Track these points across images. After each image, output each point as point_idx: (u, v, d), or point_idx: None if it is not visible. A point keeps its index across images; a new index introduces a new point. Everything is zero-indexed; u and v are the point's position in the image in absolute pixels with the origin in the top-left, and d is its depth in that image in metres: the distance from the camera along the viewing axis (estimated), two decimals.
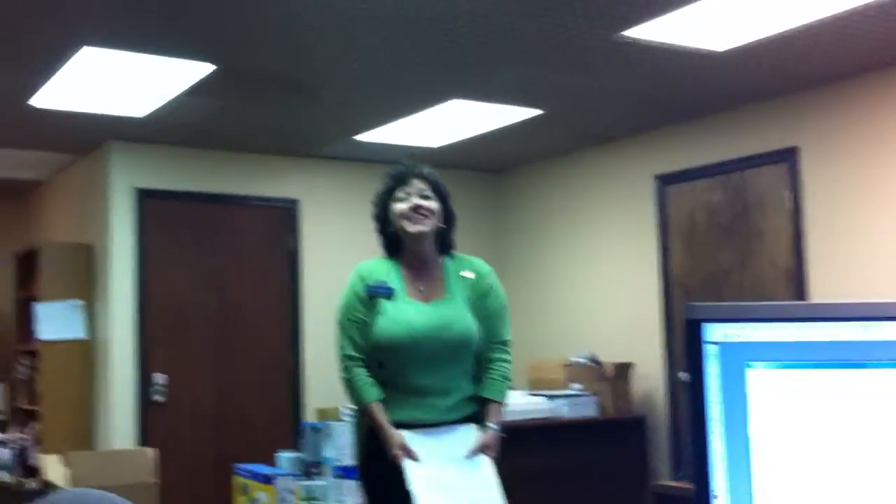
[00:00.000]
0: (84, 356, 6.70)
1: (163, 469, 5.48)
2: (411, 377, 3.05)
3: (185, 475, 6.37)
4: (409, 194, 3.15)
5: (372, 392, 3.06)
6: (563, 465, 5.91)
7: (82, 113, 5.76)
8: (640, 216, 6.58)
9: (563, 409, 6.03)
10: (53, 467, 5.21)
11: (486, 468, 3.02)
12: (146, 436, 6.37)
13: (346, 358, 3.11)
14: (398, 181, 3.19)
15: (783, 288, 5.64)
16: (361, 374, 3.07)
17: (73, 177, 7.33)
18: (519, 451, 5.73)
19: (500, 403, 3.14)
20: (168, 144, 6.66)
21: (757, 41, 4.61)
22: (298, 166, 7.17)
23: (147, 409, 6.46)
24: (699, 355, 1.35)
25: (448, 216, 3.23)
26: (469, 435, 3.05)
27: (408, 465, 2.93)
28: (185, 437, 6.55)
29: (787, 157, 5.65)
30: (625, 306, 6.68)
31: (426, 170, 3.22)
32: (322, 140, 6.69)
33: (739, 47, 4.70)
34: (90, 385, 6.72)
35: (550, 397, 6.08)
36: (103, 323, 6.57)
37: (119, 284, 6.47)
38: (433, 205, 3.15)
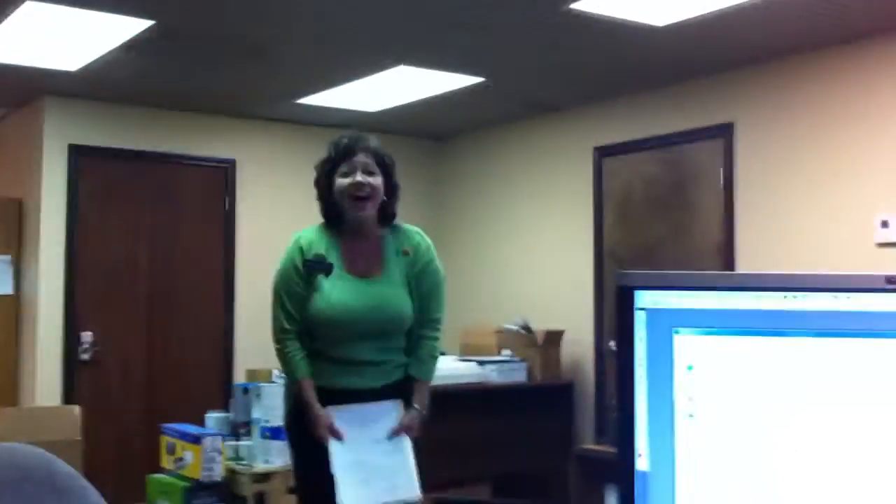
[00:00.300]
0: (11, 312, 6.57)
1: (90, 428, 5.43)
2: (345, 351, 3.11)
3: (112, 434, 6.32)
4: (353, 169, 3.12)
5: (303, 369, 3.10)
6: (492, 429, 6.00)
7: (16, 66, 5.61)
8: (578, 187, 6.65)
9: (492, 375, 6.10)
10: None
11: (406, 450, 3.10)
12: (73, 394, 6.29)
13: (280, 330, 3.14)
14: (343, 154, 3.15)
15: (712, 261, 5.75)
16: (294, 349, 3.11)
17: (5, 131, 7.14)
18: (449, 416, 5.79)
19: (426, 382, 3.21)
20: (103, 101, 6.52)
21: (697, 17, 4.66)
22: (236, 126, 7.08)
23: (74, 367, 6.37)
24: (629, 320, 1.38)
25: (391, 188, 3.21)
26: (393, 414, 3.11)
27: (332, 447, 3.01)
28: (113, 396, 6.48)
29: (723, 133, 5.75)
30: (559, 275, 6.75)
31: (372, 143, 3.19)
32: (263, 102, 6.61)
33: (680, 22, 4.75)
34: (16, 342, 6.59)
35: (481, 363, 6.15)
36: (32, 279, 6.44)
37: (49, 241, 6.35)
38: (377, 180, 3.13)
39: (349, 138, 3.18)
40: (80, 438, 5.15)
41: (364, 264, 3.15)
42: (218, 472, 4.64)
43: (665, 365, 1.38)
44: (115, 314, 6.55)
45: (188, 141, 6.90)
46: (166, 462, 4.89)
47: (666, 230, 6.06)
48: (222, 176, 7.01)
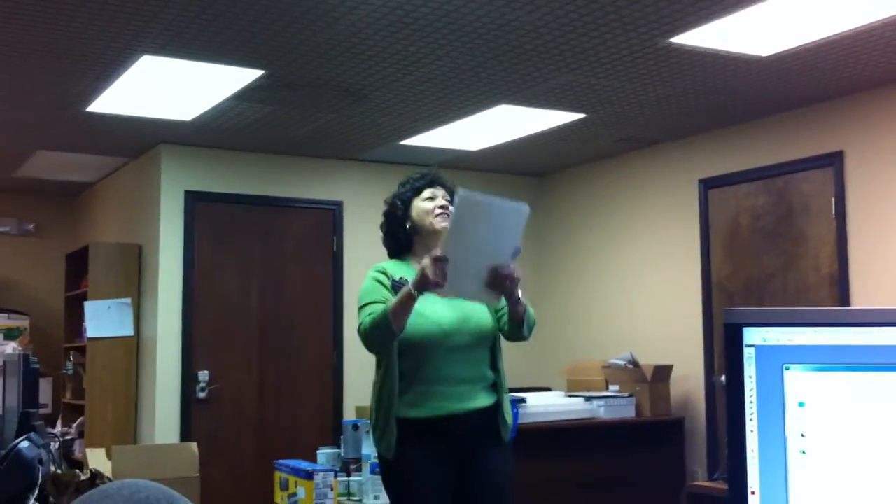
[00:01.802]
0: (130, 353, 6.85)
1: (205, 464, 5.59)
2: (438, 367, 3.17)
3: (226, 470, 6.48)
4: (436, 195, 3.39)
5: (384, 308, 3.05)
6: (600, 466, 5.93)
7: (135, 117, 5.89)
8: (682, 220, 6.58)
9: (600, 411, 6.05)
10: (97, 461, 5.32)
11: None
12: (189, 431, 6.50)
13: (366, 324, 3.10)
14: (429, 183, 3.42)
15: (826, 293, 5.61)
16: (375, 312, 3.08)
17: (125, 179, 7.48)
18: (556, 453, 5.77)
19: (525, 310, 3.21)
20: (216, 148, 6.79)
21: (801, 46, 4.60)
22: (342, 169, 7.26)
23: (191, 405, 6.58)
24: (738, 358, 1.39)
25: None
26: (519, 224, 3.11)
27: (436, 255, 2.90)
28: (227, 433, 6.66)
29: (832, 161, 5.62)
30: (665, 309, 6.67)
31: (447, 183, 3.50)
32: (367, 144, 6.77)
33: (783, 52, 4.69)
34: (135, 381, 6.86)
35: (588, 399, 6.10)
36: (150, 321, 6.70)
37: (166, 283, 6.60)
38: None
39: (431, 171, 3.50)
40: (197, 475, 5.32)
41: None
42: None
43: (776, 402, 1.37)
44: (229, 353, 6.76)
45: (297, 184, 7.10)
46: (280, 498, 5.00)
47: (776, 262, 5.94)
48: (330, 217, 7.19)
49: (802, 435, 1.36)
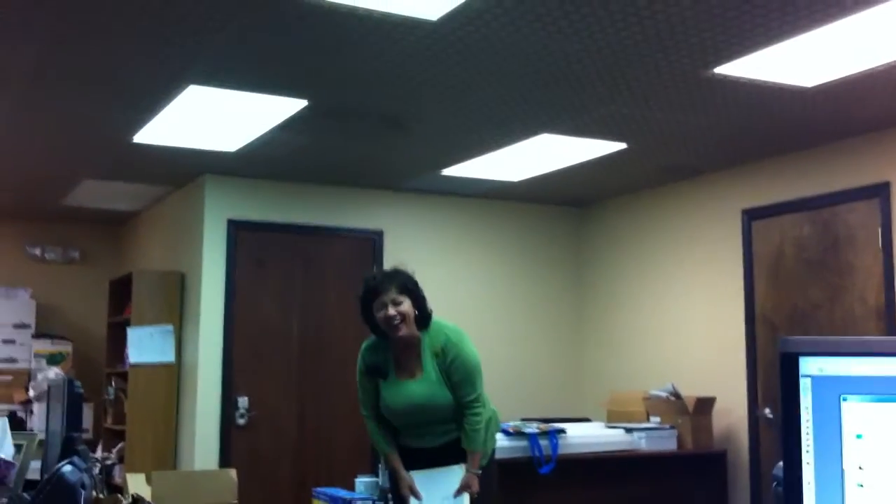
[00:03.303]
0: (171, 379, 6.89)
1: (243, 490, 5.57)
2: (408, 430, 4.05)
3: (265, 497, 6.48)
4: (383, 304, 3.86)
5: (385, 445, 4.07)
6: (641, 498, 5.85)
7: (179, 148, 5.97)
8: (725, 251, 6.52)
9: (641, 443, 5.97)
10: (137, 486, 5.33)
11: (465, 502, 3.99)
12: (228, 457, 6.51)
13: (363, 415, 4.11)
14: (372, 292, 3.91)
15: (873, 325, 5.51)
16: (374, 430, 4.08)
17: (168, 208, 7.58)
18: (596, 484, 5.71)
19: (475, 451, 3.96)
20: (259, 178, 6.85)
21: (846, 77, 4.56)
22: (383, 198, 7.29)
23: (230, 431, 6.60)
24: (793, 388, 1.36)
25: (418, 302, 3.94)
26: (457, 476, 3.96)
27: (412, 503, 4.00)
28: (266, 460, 6.67)
29: (879, 192, 5.55)
30: (708, 341, 6.60)
31: (392, 280, 3.92)
32: (408, 174, 6.80)
33: (828, 83, 4.65)
34: (175, 407, 6.90)
35: (629, 430, 6.03)
36: (191, 347, 6.75)
37: (208, 311, 6.65)
38: (404, 307, 3.87)
39: (376, 279, 3.94)
40: (235, 501, 5.30)
41: (408, 368, 3.96)
42: None
43: (833, 433, 1.35)
44: (269, 380, 6.78)
45: (338, 213, 7.14)
46: None
47: (821, 294, 5.86)
48: (370, 246, 7.21)
49: (860, 467, 1.33)
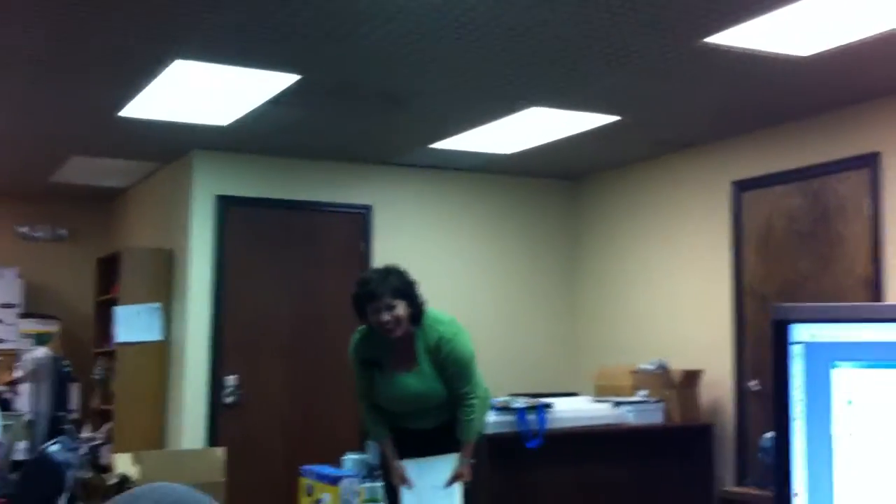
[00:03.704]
0: (159, 358, 6.86)
1: (232, 469, 5.57)
2: (402, 418, 4.11)
3: (253, 476, 6.46)
4: (377, 309, 3.88)
5: (380, 431, 4.12)
6: (628, 471, 5.87)
7: (168, 122, 5.90)
8: (715, 223, 6.50)
9: (628, 416, 5.98)
10: (124, 465, 5.32)
11: (455, 494, 4.03)
12: (216, 437, 6.49)
13: (358, 396, 4.17)
14: (367, 296, 3.90)
15: (861, 296, 5.50)
16: (370, 416, 4.13)
17: (156, 184, 7.52)
18: (584, 458, 5.72)
19: (469, 442, 4.05)
20: (249, 153, 6.80)
21: (841, 46, 4.52)
22: (372, 173, 7.25)
23: (218, 410, 6.58)
24: (784, 355, 1.34)
25: (413, 303, 3.95)
26: (449, 465, 4.03)
27: (403, 492, 4.03)
28: (254, 439, 6.65)
29: (869, 163, 5.53)
30: (696, 314, 6.60)
31: (386, 284, 3.90)
32: (399, 148, 6.75)
33: (823, 52, 4.61)
34: (163, 386, 6.87)
35: (616, 404, 6.03)
36: (180, 325, 6.72)
37: (197, 288, 6.62)
38: (399, 311, 3.88)
39: (372, 284, 3.91)
40: (224, 480, 5.29)
41: (403, 362, 3.99)
42: None
43: (823, 400, 1.33)
44: (258, 358, 6.75)
45: (327, 189, 7.10)
46: (305, 503, 4.98)
47: (810, 265, 5.85)
48: (360, 221, 7.18)
49: (850, 434, 1.31)
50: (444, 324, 4.02)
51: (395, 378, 4.01)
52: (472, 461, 4.08)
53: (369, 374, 4.06)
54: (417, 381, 3.98)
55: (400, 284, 3.93)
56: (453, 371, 3.97)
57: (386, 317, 3.87)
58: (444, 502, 4.02)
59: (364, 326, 4.06)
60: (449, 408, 4.05)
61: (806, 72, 4.94)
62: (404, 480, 4.03)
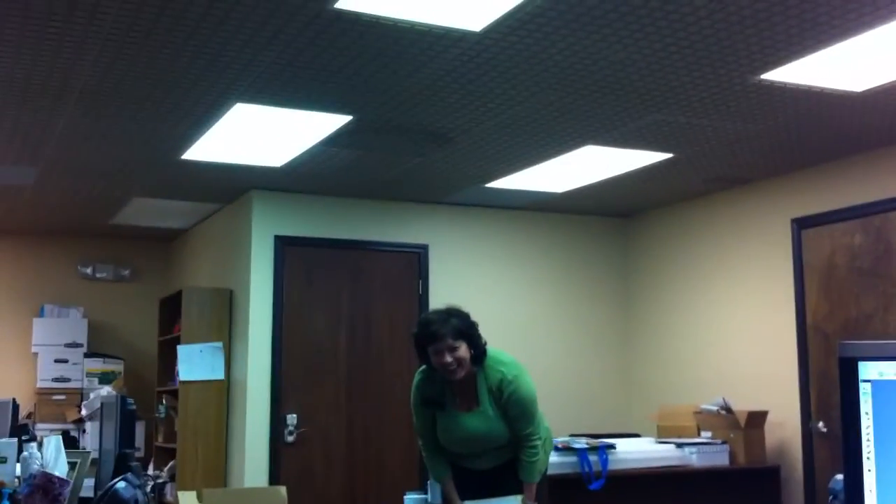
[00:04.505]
0: (221, 396, 6.94)
1: None
2: (463, 458, 4.09)
3: None
4: (439, 351, 3.85)
5: (442, 471, 4.08)
6: None
7: (227, 164, 6.03)
8: (775, 260, 6.43)
9: (692, 458, 5.89)
10: (189, 502, 5.37)
11: None
12: (278, 474, 6.53)
13: (419, 436, 4.15)
14: (428, 338, 3.87)
15: None
16: (431, 455, 4.10)
17: (216, 224, 7.65)
18: (647, 500, 5.64)
19: (531, 484, 3.98)
20: (305, 193, 6.90)
21: (894, 81, 4.49)
22: (427, 212, 7.31)
23: (279, 448, 6.63)
24: (853, 393, 1.33)
25: (474, 344, 3.91)
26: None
27: None
28: (315, 477, 6.68)
29: None
30: (759, 353, 6.50)
31: (451, 324, 3.87)
32: (453, 187, 6.80)
33: (878, 87, 4.58)
34: (225, 424, 6.94)
35: (679, 445, 5.95)
36: (240, 364, 6.80)
37: (257, 327, 6.70)
38: (461, 352, 3.86)
39: (433, 326, 3.87)
40: None
41: (465, 401, 3.97)
42: None
43: (894, 437, 1.31)
44: (317, 396, 6.80)
45: (383, 227, 7.17)
46: None
47: (874, 303, 5.75)
48: (416, 260, 7.23)
49: None
50: (506, 364, 4.00)
51: (458, 418, 3.99)
52: (534, 503, 4.04)
53: (430, 414, 4.05)
54: (480, 421, 3.96)
55: (462, 326, 3.89)
56: (516, 412, 3.94)
57: (448, 358, 3.84)
58: None
59: (425, 366, 4.04)
60: (510, 448, 4.01)
61: (861, 107, 4.90)
62: None
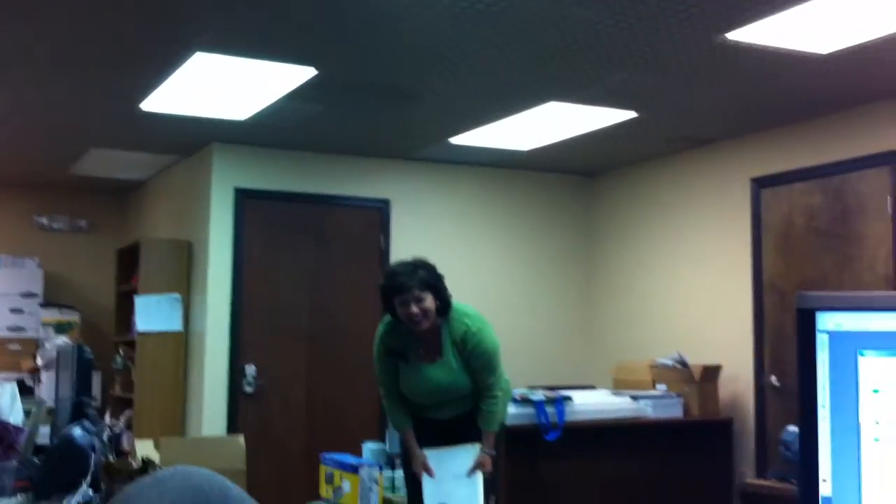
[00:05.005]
0: (179, 348, 6.91)
1: (252, 457, 5.61)
2: (424, 408, 4.16)
3: (273, 463, 6.51)
4: (406, 302, 3.91)
5: (401, 421, 4.16)
6: (647, 465, 5.87)
7: (188, 116, 5.94)
8: (734, 220, 6.49)
9: (647, 410, 5.97)
10: (146, 452, 5.37)
11: (477, 484, 4.04)
12: (236, 425, 6.54)
13: (381, 391, 4.23)
14: (395, 289, 3.94)
15: None
16: (393, 406, 4.17)
17: (176, 176, 7.56)
18: (603, 451, 5.73)
19: (490, 432, 4.09)
20: (267, 146, 6.83)
21: (862, 43, 4.51)
22: (390, 168, 7.27)
23: (238, 399, 6.63)
24: (810, 344, 1.35)
25: (440, 295, 3.98)
26: (470, 456, 4.06)
27: (425, 482, 4.06)
28: (274, 427, 6.70)
29: (889, 161, 5.51)
30: (716, 310, 6.59)
31: (414, 276, 3.93)
32: (417, 143, 6.77)
33: (844, 50, 4.60)
34: (183, 375, 6.92)
35: (635, 398, 6.03)
36: (199, 316, 6.76)
37: (216, 280, 6.66)
38: (427, 304, 3.92)
39: (400, 277, 3.94)
40: (244, 468, 5.33)
41: (429, 353, 4.04)
42: (375, 502, 4.72)
43: (849, 388, 1.34)
44: (277, 349, 6.79)
45: (345, 183, 7.13)
46: (325, 491, 5.01)
47: (830, 262, 5.84)
48: (378, 216, 7.20)
49: (877, 422, 1.32)
50: (471, 317, 4.07)
51: (421, 369, 4.06)
52: (492, 453, 4.12)
53: (393, 365, 4.10)
54: (443, 372, 4.03)
55: (428, 277, 3.96)
56: (479, 363, 4.02)
57: (414, 309, 3.90)
58: (465, 491, 4.05)
59: (389, 318, 4.09)
60: (471, 399, 4.09)
61: (825, 69, 4.93)
62: (426, 469, 4.07)
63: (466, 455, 4.08)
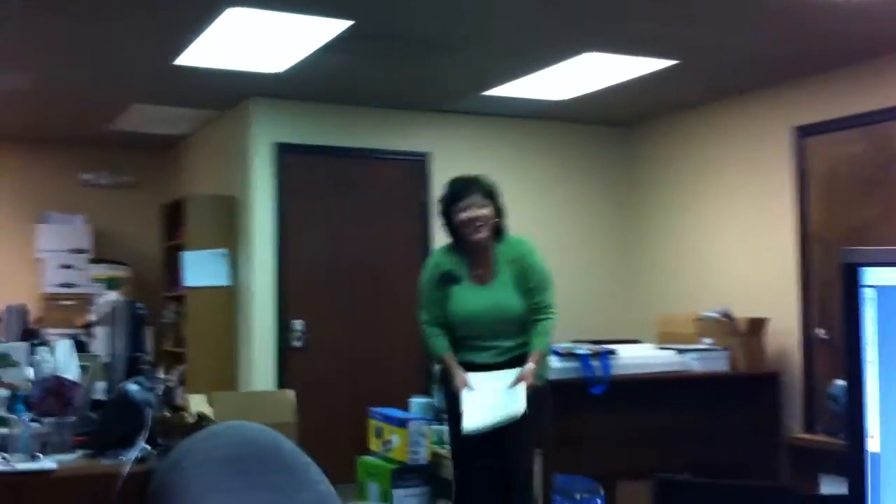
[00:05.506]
0: (227, 302, 7.01)
1: (301, 410, 5.72)
2: (473, 338, 4.08)
3: (322, 417, 6.61)
4: (468, 206, 3.98)
5: (442, 345, 4.09)
6: (693, 419, 5.86)
7: (225, 70, 5.96)
8: (776, 169, 6.42)
9: (693, 364, 5.96)
10: (198, 406, 5.49)
11: (519, 391, 3.90)
12: (285, 379, 6.65)
13: (423, 322, 4.14)
14: (457, 194, 4.03)
15: None
16: (434, 332, 4.09)
17: (216, 132, 7.62)
18: (648, 405, 5.74)
19: (539, 350, 4.04)
20: (305, 100, 6.85)
21: None
22: (429, 120, 7.27)
23: (286, 353, 6.73)
24: (855, 299, 1.36)
25: (499, 212, 4.08)
26: (512, 373, 3.97)
27: (463, 393, 3.96)
28: (321, 381, 6.80)
29: None
30: (760, 261, 6.55)
31: (476, 185, 4.05)
32: (454, 95, 6.76)
33: None
34: (233, 330, 7.03)
35: (680, 351, 6.02)
36: (245, 271, 6.86)
37: (260, 235, 6.74)
38: (486, 211, 4.00)
39: (463, 181, 4.07)
40: (294, 421, 5.45)
41: (483, 274, 4.06)
42: (423, 456, 4.81)
43: (895, 342, 1.35)
44: (322, 303, 6.88)
45: (384, 136, 7.14)
46: (374, 444, 5.11)
47: (876, 210, 5.77)
48: (418, 169, 7.22)
49: None
50: (525, 241, 4.18)
51: (474, 290, 4.05)
52: (537, 369, 4.02)
53: (442, 292, 4.06)
54: (497, 292, 4.02)
55: (489, 188, 4.07)
56: (536, 282, 4.05)
57: (476, 212, 3.97)
58: (507, 400, 3.91)
59: (441, 246, 4.19)
60: (520, 338, 4.04)
61: (867, 13, 4.84)
62: (466, 384, 3.99)
63: (508, 376, 3.99)
